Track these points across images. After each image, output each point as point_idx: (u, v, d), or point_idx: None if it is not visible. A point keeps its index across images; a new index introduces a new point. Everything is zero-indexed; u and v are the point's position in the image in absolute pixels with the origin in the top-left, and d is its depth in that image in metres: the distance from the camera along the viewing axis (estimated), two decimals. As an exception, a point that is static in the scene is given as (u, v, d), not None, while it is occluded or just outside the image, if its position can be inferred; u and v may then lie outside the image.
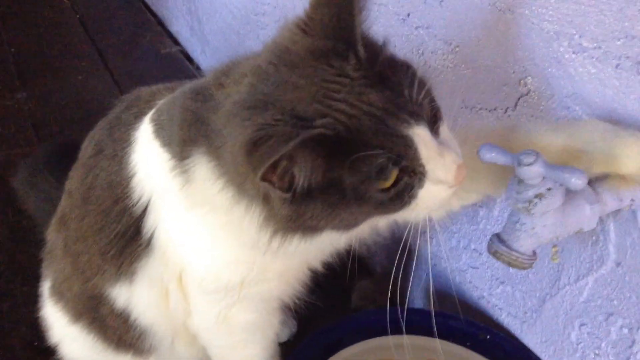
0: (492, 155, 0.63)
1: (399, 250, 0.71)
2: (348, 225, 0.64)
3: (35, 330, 1.02)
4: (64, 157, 1.04)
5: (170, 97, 0.80)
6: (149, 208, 0.77)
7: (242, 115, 0.58)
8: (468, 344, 0.93)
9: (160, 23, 2.42)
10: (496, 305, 0.98)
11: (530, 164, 0.59)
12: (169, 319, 0.86)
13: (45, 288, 0.98)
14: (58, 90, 1.95)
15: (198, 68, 2.12)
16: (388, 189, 0.59)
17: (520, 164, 0.60)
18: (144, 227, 0.78)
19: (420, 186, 0.60)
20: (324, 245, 0.73)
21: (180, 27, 2.24)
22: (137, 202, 0.77)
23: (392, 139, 0.57)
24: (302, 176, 0.56)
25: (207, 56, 2.04)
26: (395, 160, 0.57)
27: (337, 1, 0.60)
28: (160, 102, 0.80)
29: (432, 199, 0.62)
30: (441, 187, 0.61)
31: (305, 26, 0.62)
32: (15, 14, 2.47)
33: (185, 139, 0.69)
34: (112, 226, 0.79)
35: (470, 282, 1.03)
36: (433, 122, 0.61)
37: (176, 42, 2.28)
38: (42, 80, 2.01)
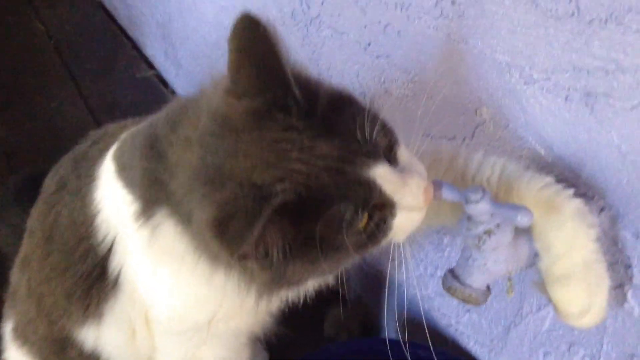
0: (440, 192, 0.62)
1: (370, 276, 0.71)
2: (332, 272, 0.65)
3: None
4: (34, 190, 1.03)
5: (130, 133, 0.79)
6: (114, 247, 0.75)
7: (202, 192, 0.57)
8: (437, 373, 0.92)
9: (135, 47, 2.42)
10: (464, 333, 0.98)
11: (477, 201, 0.59)
12: (138, 358, 0.85)
13: (7, 330, 0.96)
14: (31, 118, 1.94)
15: (173, 92, 2.11)
16: (363, 229, 0.58)
17: (467, 201, 0.60)
18: (110, 267, 0.76)
19: (393, 217, 0.60)
20: (307, 286, 0.73)
21: (155, 51, 2.23)
22: (102, 241, 0.75)
23: (354, 186, 0.56)
24: (275, 245, 0.55)
25: (181, 79, 2.04)
26: (362, 205, 0.56)
27: (256, 56, 0.56)
28: (122, 137, 0.80)
29: (407, 224, 0.61)
30: (413, 212, 0.60)
31: (234, 90, 0.58)
32: (-12, 40, 2.45)
33: (147, 198, 0.68)
34: (77, 266, 0.78)
35: (438, 310, 1.02)
36: (389, 150, 0.61)
37: (151, 65, 2.27)
38: (14, 108, 1.99)
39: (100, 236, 0.75)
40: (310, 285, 0.73)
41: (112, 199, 0.75)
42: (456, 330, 0.99)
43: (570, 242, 0.62)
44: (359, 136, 0.57)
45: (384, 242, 0.62)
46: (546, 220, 0.63)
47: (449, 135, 0.89)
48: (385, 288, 0.88)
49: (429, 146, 0.78)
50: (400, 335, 1.09)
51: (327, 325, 1.17)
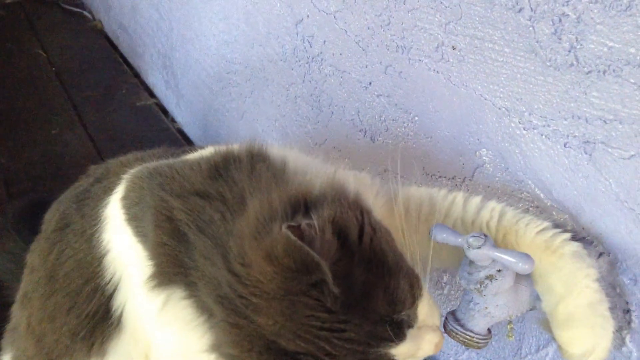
0: (443, 237, 0.64)
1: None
2: None
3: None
4: (33, 217, 1.04)
5: (138, 176, 0.79)
6: (119, 286, 0.76)
7: (229, 330, 0.58)
8: (435, 412, 0.92)
9: (137, 75, 2.44)
10: (462, 372, 0.98)
11: (479, 247, 0.60)
12: None
13: None
14: (31, 145, 1.95)
15: (173, 120, 2.13)
16: None
17: (469, 246, 0.61)
18: (114, 305, 0.77)
19: None
20: None
21: (156, 80, 2.26)
22: (110, 280, 0.76)
23: None
24: None
25: (182, 109, 2.06)
26: None
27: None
28: (129, 178, 0.80)
29: None
30: None
31: (269, 254, 0.55)
32: (-11, 66, 2.48)
33: (164, 270, 0.68)
34: (83, 307, 0.78)
35: (436, 347, 1.02)
36: (411, 306, 0.60)
37: (152, 94, 2.29)
38: (14, 135, 2.00)
39: (108, 276, 0.76)
40: None
41: (121, 242, 0.76)
42: (455, 368, 0.99)
43: (570, 283, 0.63)
44: (390, 315, 0.57)
45: None
46: (545, 263, 0.64)
47: (449, 175, 0.90)
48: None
49: (428, 187, 0.80)
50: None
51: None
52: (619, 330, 0.69)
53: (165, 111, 2.19)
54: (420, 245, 0.77)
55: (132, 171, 0.81)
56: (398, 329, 0.58)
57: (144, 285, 0.71)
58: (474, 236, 0.61)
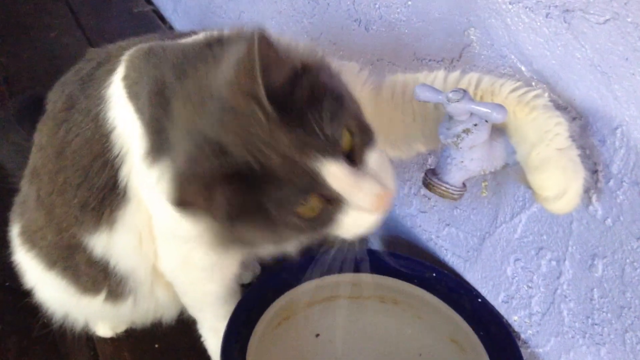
0: (426, 95, 0.68)
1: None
2: (280, 244, 0.74)
3: (6, 272, 1.06)
4: (34, 111, 1.07)
5: (137, 55, 0.83)
6: (125, 158, 0.81)
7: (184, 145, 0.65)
8: (416, 281, 1.00)
9: (134, -18, 2.42)
10: (442, 247, 1.05)
11: (457, 100, 0.65)
12: (147, 262, 0.92)
13: (14, 234, 1.02)
14: (30, 47, 1.96)
15: (170, 27, 2.13)
16: (308, 216, 0.63)
17: (449, 100, 0.65)
18: (120, 176, 0.82)
19: (340, 213, 0.64)
20: (266, 250, 0.84)
21: (153, -14, 2.25)
22: (118, 154, 0.81)
23: (301, 175, 0.61)
24: (219, 204, 0.61)
25: (179, 15, 2.06)
26: (303, 192, 0.62)
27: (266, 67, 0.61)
28: (127, 58, 0.83)
29: (356, 224, 0.66)
30: (364, 214, 0.64)
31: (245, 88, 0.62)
32: (-14, -29, 2.45)
33: (154, 143, 0.74)
34: (93, 180, 0.84)
35: (420, 226, 1.09)
36: (358, 151, 0.64)
37: (149, 1, 2.28)
38: (14, 37, 2.02)
39: (116, 150, 0.81)
40: (269, 250, 0.82)
41: (124, 118, 0.80)
42: (435, 244, 1.06)
43: (543, 131, 0.67)
44: (318, 132, 0.61)
45: (324, 233, 0.67)
46: (520, 116, 0.69)
47: (438, 57, 0.94)
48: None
49: (414, 72, 0.84)
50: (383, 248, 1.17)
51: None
52: (586, 191, 0.75)
53: (162, 18, 2.19)
54: (405, 125, 0.82)
55: (130, 52, 0.84)
56: (332, 144, 0.61)
57: (142, 160, 0.76)
58: (454, 91, 0.65)
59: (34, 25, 2.11)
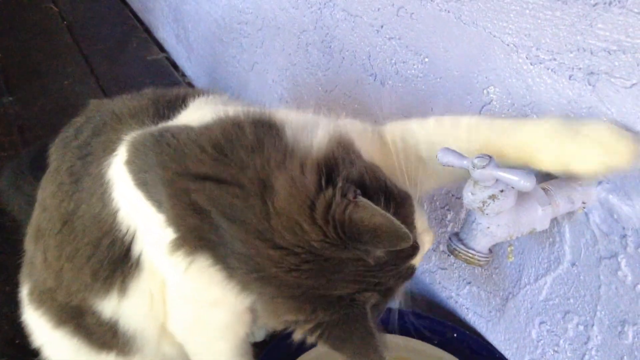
0: (449, 159, 0.67)
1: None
2: None
3: (17, 329, 1.05)
4: (47, 161, 1.08)
5: (141, 142, 0.80)
6: (136, 235, 0.82)
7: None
8: (436, 342, 0.97)
9: (147, 30, 2.46)
10: (463, 305, 1.02)
11: (483, 167, 0.63)
12: (156, 322, 0.91)
13: (24, 294, 1.01)
14: (44, 95, 1.98)
15: (183, 75, 2.15)
16: None
17: (474, 166, 0.64)
18: (133, 251, 0.83)
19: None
20: None
21: (166, 34, 2.27)
22: (127, 232, 0.82)
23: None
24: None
25: (193, 63, 2.08)
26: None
27: None
28: (130, 142, 0.81)
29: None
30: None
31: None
32: (2, 19, 2.49)
33: (189, 241, 0.74)
34: (104, 254, 0.84)
35: (439, 283, 1.07)
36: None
37: (162, 48, 2.31)
38: (28, 85, 2.04)
39: (124, 229, 0.82)
40: None
41: (131, 202, 0.80)
42: (456, 302, 1.03)
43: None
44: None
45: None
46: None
47: (457, 114, 0.93)
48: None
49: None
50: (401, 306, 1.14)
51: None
52: (614, 255, 0.73)
53: (175, 65, 2.21)
54: (411, 168, 0.82)
55: (134, 135, 0.83)
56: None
57: (168, 246, 0.75)
58: (479, 157, 0.64)
59: (47, 72, 2.13)
